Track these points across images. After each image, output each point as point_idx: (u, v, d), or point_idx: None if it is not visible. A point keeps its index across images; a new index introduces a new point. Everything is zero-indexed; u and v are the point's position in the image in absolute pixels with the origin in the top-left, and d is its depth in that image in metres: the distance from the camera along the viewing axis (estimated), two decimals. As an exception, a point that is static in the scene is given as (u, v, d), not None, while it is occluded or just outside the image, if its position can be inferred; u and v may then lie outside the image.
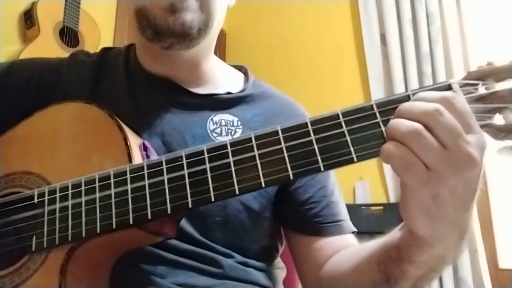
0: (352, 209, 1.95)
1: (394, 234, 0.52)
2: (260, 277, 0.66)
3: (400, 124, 0.40)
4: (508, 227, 1.77)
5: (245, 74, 0.77)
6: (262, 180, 0.45)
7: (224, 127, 0.66)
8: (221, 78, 0.74)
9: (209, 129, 0.66)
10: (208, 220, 0.61)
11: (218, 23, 0.66)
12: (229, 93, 0.70)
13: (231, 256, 0.64)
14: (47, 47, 1.67)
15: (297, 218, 0.68)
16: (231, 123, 0.67)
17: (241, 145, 0.47)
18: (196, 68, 0.70)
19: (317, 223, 0.67)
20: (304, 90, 2.06)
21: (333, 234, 0.67)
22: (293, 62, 2.35)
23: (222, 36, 2.48)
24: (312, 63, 2.30)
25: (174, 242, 0.59)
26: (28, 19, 1.71)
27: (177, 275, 0.59)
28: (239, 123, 0.68)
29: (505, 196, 1.79)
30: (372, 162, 1.90)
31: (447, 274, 1.72)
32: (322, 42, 2.30)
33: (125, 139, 0.53)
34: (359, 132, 0.43)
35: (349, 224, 0.69)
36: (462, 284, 1.69)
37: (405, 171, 0.40)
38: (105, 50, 0.77)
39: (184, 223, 0.60)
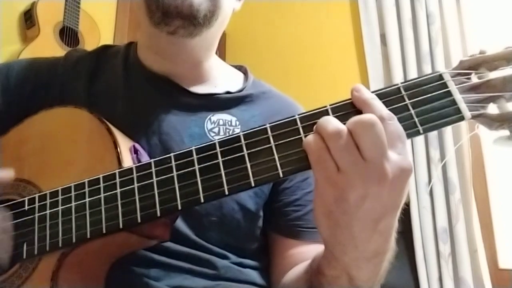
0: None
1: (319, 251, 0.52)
2: (256, 276, 0.66)
3: (328, 122, 0.41)
4: (508, 227, 1.77)
5: (245, 74, 0.77)
6: (251, 179, 0.44)
7: (222, 127, 0.66)
8: (221, 77, 0.73)
9: (207, 128, 0.65)
10: (204, 220, 0.61)
11: (222, 19, 0.67)
12: (228, 92, 0.70)
13: (226, 257, 0.63)
14: (47, 47, 1.67)
15: (279, 218, 0.68)
16: (229, 122, 0.67)
17: (229, 145, 0.46)
18: (196, 66, 0.70)
19: (297, 226, 0.67)
20: (304, 90, 2.06)
21: (310, 241, 0.66)
22: (293, 62, 2.35)
23: (222, 36, 2.46)
24: (312, 63, 2.30)
25: (168, 244, 0.59)
26: (28, 19, 1.71)
27: (172, 278, 0.59)
28: (238, 123, 0.67)
29: (505, 196, 1.79)
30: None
31: (447, 274, 1.72)
32: (322, 42, 2.30)
33: (115, 143, 0.53)
34: None
35: None
36: (462, 284, 1.69)
37: (315, 164, 0.41)
38: (105, 47, 0.76)
39: (180, 223, 0.60)
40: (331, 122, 0.40)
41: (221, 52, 2.47)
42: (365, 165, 0.39)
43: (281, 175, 0.43)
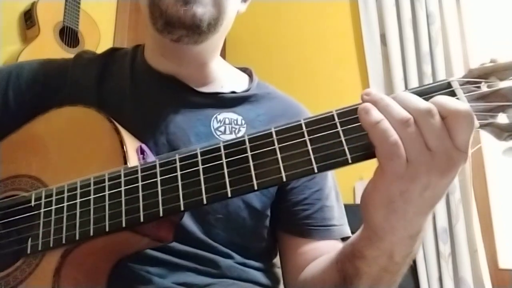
0: (352, 209, 1.95)
1: (354, 235, 0.52)
2: (259, 276, 0.67)
3: (395, 109, 0.40)
4: (508, 227, 1.77)
5: (250, 75, 0.78)
6: (254, 182, 0.44)
7: (228, 126, 0.67)
8: (226, 78, 0.74)
9: (213, 127, 0.66)
10: (210, 218, 0.62)
11: (227, 23, 0.67)
12: (233, 92, 0.71)
13: (230, 257, 0.64)
14: (47, 47, 1.67)
15: (289, 218, 0.68)
16: (235, 121, 0.67)
17: (234, 147, 0.46)
18: (202, 67, 0.70)
19: (307, 225, 0.67)
20: (304, 91, 2.05)
21: (321, 238, 0.67)
22: (293, 62, 2.35)
23: (222, 36, 2.47)
24: (312, 63, 2.30)
25: (172, 243, 0.59)
26: (28, 19, 1.71)
27: (176, 276, 0.59)
28: (243, 122, 0.68)
29: (505, 196, 1.79)
30: (373, 162, 1.89)
31: (447, 274, 1.72)
32: (322, 43, 2.30)
33: (121, 142, 0.53)
34: (353, 133, 0.43)
35: (341, 230, 0.69)
36: (462, 284, 1.69)
37: (388, 160, 0.40)
38: (113, 50, 0.77)
39: (186, 221, 0.61)
40: (395, 109, 0.39)
41: (221, 54, 2.47)
42: (430, 155, 0.39)
43: (284, 179, 0.43)
